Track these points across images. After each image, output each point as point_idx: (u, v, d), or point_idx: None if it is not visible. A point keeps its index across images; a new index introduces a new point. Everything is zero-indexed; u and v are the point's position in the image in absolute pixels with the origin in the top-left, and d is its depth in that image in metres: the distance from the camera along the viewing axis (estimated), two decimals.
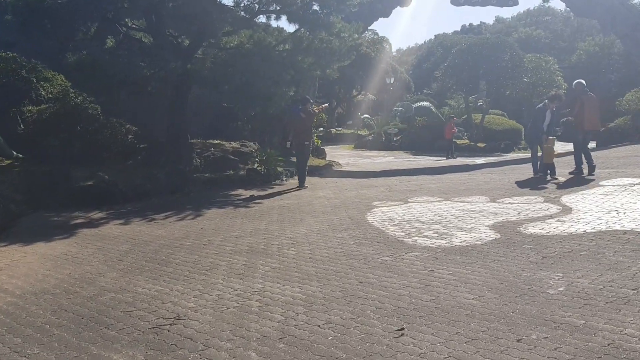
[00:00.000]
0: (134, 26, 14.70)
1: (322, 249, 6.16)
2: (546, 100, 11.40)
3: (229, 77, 12.38)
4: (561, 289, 4.35)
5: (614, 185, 9.24)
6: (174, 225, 8.03)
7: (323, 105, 15.05)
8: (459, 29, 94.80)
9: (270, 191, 11.49)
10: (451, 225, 7.08)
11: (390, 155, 23.99)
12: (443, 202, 8.93)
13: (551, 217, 7.21)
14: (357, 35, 14.72)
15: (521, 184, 10.40)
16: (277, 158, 13.23)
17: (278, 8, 13.12)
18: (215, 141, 15.17)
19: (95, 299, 4.69)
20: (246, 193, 11.10)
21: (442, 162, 18.79)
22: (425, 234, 6.65)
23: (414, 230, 6.89)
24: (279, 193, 11.14)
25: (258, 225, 7.76)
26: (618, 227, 6.24)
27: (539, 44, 69.53)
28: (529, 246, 5.75)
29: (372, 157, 22.82)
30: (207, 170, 13.00)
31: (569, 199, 8.38)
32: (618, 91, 49.48)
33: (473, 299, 4.23)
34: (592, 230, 6.22)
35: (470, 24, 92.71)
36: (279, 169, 13.53)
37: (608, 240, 5.72)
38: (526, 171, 12.73)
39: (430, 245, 6.08)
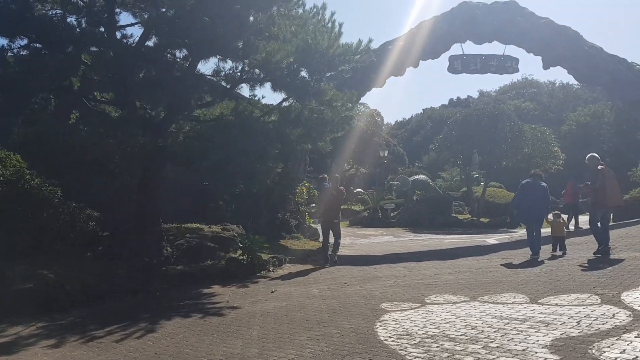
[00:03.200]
0: (103, 99, 13.18)
1: None
2: (535, 177, 11.42)
3: (206, 152, 10.69)
4: None
5: None
6: (119, 350, 6.01)
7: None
8: (447, 102, 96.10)
9: (252, 287, 9.52)
10: (494, 345, 5.14)
11: (389, 234, 22.14)
12: (471, 303, 7.00)
13: (625, 329, 5.32)
14: (350, 105, 13.25)
15: (557, 274, 8.53)
16: (262, 244, 11.33)
17: (262, 75, 11.67)
18: (193, 225, 13.31)
19: None
20: (223, 292, 9.12)
21: (457, 241, 16.89)
22: None
23: (446, 355, 4.95)
24: (264, 291, 9.15)
25: (232, 348, 5.75)
26: None
27: (529, 116, 69.73)
28: None
29: (369, 235, 20.94)
30: (181, 261, 11.07)
31: (633, 297, 6.51)
32: (611, 160, 48.79)
33: None
34: None
35: (458, 98, 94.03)
36: (265, 257, 11.61)
37: None
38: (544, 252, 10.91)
39: None
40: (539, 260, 10.41)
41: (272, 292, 8.84)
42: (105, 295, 8.75)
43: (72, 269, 9.43)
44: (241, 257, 11.04)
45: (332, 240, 12.63)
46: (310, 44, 11.15)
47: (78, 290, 8.55)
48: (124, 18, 10.61)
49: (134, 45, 11.36)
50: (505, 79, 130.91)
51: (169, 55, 11.85)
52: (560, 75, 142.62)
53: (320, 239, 17.09)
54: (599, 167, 10.41)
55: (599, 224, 10.38)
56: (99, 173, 11.26)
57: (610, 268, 8.63)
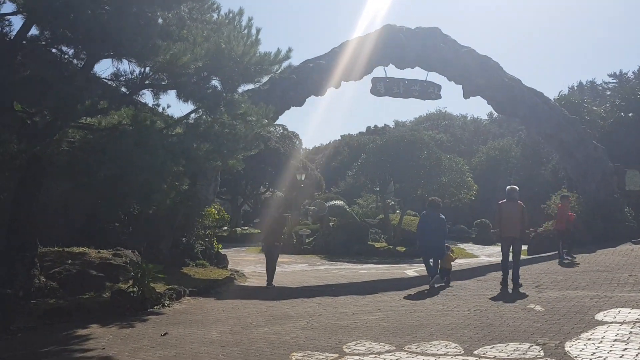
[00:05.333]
0: None
1: None
2: (433, 206, 11.60)
3: (93, 165, 9.09)
4: None
5: (619, 322, 6.74)
6: None
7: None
8: (364, 129, 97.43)
9: (139, 327, 7.98)
10: None
11: (304, 261, 21.03)
12: (397, 354, 5.92)
13: None
14: (266, 121, 12.06)
15: (488, 316, 7.70)
16: (156, 274, 9.77)
17: (167, 81, 10.28)
18: (78, 250, 11.49)
19: None
20: (102, 333, 7.52)
21: (374, 272, 15.98)
22: None
23: None
24: (152, 334, 7.65)
25: None
26: None
27: (442, 147, 71.87)
28: None
29: (282, 263, 19.62)
30: (57, 294, 9.30)
31: (578, 348, 5.70)
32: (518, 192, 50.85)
33: None
34: None
35: (375, 126, 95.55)
36: (160, 289, 10.07)
37: None
38: (478, 290, 10.19)
39: None
40: (432, 282, 10.91)
41: (163, 335, 7.37)
42: None
43: None
44: (131, 290, 9.43)
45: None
46: (223, 48, 9.95)
47: None
48: (7, 7, 8.84)
49: (11, 37, 9.63)
50: (421, 110, 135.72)
51: (56, 51, 10.19)
52: (474, 108, 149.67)
53: (229, 267, 15.88)
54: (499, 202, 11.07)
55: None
56: None
57: (540, 309, 7.92)
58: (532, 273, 11.86)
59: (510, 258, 11.13)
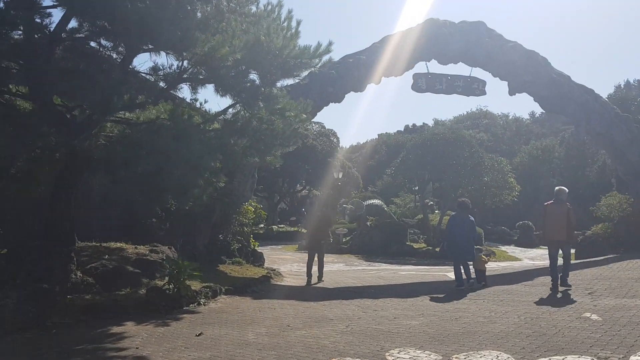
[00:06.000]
0: (19, 92, 11.23)
1: None
2: (462, 208, 11.44)
3: (131, 160, 8.94)
4: None
5: None
6: None
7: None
8: (402, 128, 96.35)
9: (174, 326, 7.78)
10: None
11: (341, 261, 20.67)
12: None
13: None
14: (305, 116, 11.76)
15: (540, 324, 7.18)
16: (192, 272, 9.57)
17: (204, 74, 10.07)
18: (116, 245, 11.44)
19: None
20: (136, 332, 7.34)
21: (414, 273, 15.51)
22: None
23: None
24: (187, 334, 7.42)
25: None
26: None
27: (482, 146, 70.48)
28: None
29: None
30: (93, 289, 9.20)
31: None
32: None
33: None
34: None
35: (414, 125, 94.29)
36: (196, 287, 9.88)
37: None
38: (526, 295, 9.64)
39: None
40: (463, 289, 10.72)
41: (198, 335, 7.14)
42: None
43: None
44: (166, 287, 9.25)
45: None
46: (262, 41, 9.65)
47: None
48: None
49: (51, 30, 9.57)
50: (460, 109, 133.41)
51: (94, 44, 10.11)
52: (516, 107, 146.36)
53: (265, 265, 15.72)
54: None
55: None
56: None
57: (597, 318, 7.36)
58: (584, 279, 11.20)
59: (560, 262, 10.63)
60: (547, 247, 10.99)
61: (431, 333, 6.91)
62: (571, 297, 9.32)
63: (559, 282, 10.20)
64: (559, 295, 9.69)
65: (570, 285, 10.17)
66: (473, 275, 11.36)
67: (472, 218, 11.41)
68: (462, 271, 11.17)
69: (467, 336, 6.66)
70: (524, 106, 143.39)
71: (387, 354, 5.95)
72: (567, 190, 10.79)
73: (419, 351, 6.01)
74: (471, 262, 11.50)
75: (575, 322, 7.22)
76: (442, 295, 10.23)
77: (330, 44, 10.37)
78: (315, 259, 13.27)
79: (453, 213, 11.91)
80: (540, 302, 8.99)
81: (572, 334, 6.58)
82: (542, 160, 63.21)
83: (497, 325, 7.22)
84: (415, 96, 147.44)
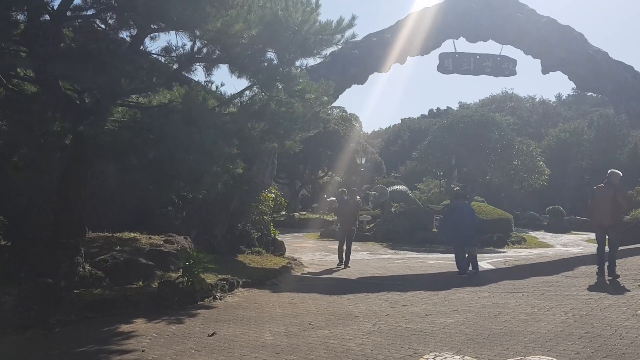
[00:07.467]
0: (26, 76, 10.70)
1: None
2: (458, 197, 12.00)
3: (140, 146, 8.34)
4: None
5: None
6: None
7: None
8: (426, 112, 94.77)
9: (187, 324, 7.19)
10: None
11: (365, 249, 20.01)
12: None
13: None
14: (326, 98, 11.05)
15: (592, 323, 6.42)
16: (207, 264, 8.98)
17: (218, 53, 9.41)
18: (129, 235, 10.94)
19: None
20: (145, 331, 6.77)
21: (442, 263, 14.76)
22: None
23: None
24: (199, 333, 6.83)
25: None
26: None
27: (509, 130, 68.90)
28: None
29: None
30: (103, 283, 8.68)
31: None
32: (590, 178, 47.58)
33: None
34: None
35: (438, 108, 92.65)
36: (212, 280, 9.31)
37: None
38: (569, 287, 8.85)
39: None
40: (465, 277, 10.82)
41: (211, 335, 6.54)
42: None
43: None
44: (179, 280, 8.68)
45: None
46: (280, 15, 8.95)
47: None
48: None
49: (54, 8, 8.98)
50: (484, 92, 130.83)
51: (101, 23, 9.51)
52: (542, 89, 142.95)
53: (286, 254, 15.19)
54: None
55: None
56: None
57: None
58: (630, 268, 10.36)
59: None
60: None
61: (469, 333, 6.19)
62: (621, 289, 8.53)
63: (605, 271, 9.51)
64: (606, 286, 8.93)
65: (618, 275, 9.39)
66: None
67: (470, 205, 12.05)
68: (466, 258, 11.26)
69: (510, 337, 5.93)
70: (551, 88, 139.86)
71: (421, 359, 5.27)
72: (620, 173, 10.03)
73: (458, 356, 5.30)
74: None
75: (631, 321, 6.44)
76: (474, 288, 9.49)
77: (353, 17, 9.59)
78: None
79: (454, 202, 12.21)
80: (587, 296, 8.20)
81: (631, 335, 5.81)
82: (570, 144, 61.50)
83: (542, 324, 6.47)
84: (439, 79, 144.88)
